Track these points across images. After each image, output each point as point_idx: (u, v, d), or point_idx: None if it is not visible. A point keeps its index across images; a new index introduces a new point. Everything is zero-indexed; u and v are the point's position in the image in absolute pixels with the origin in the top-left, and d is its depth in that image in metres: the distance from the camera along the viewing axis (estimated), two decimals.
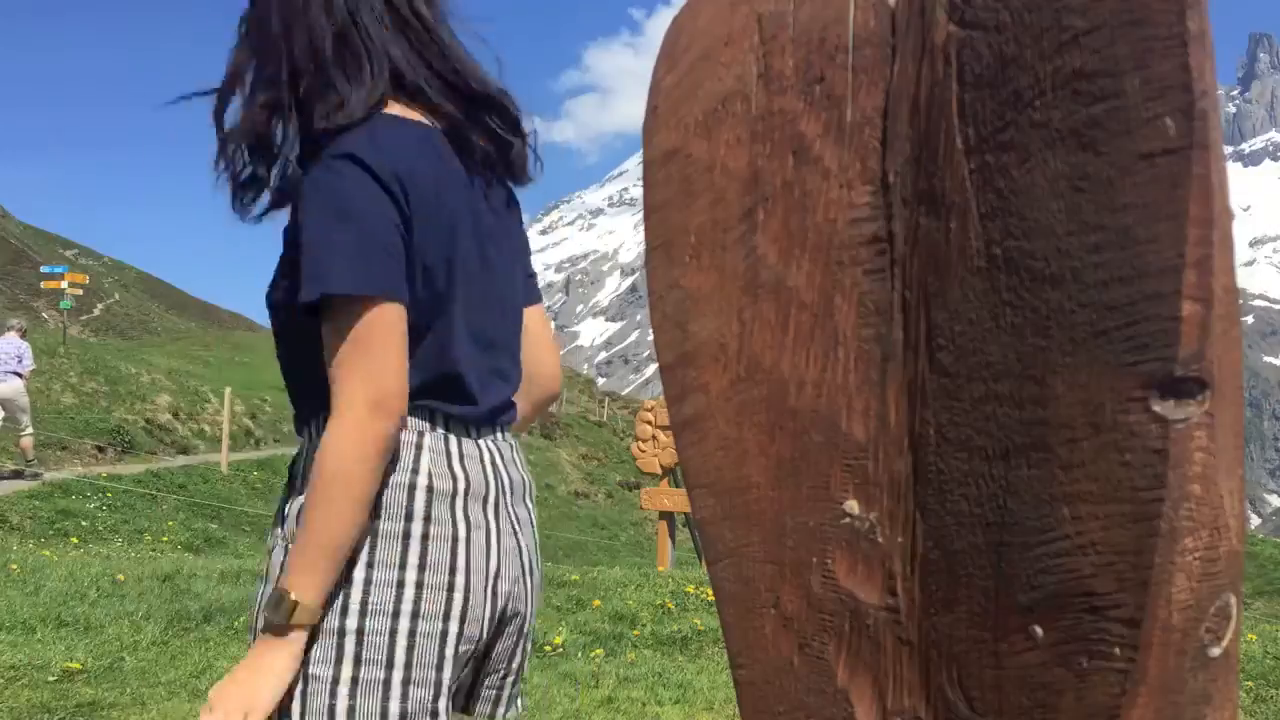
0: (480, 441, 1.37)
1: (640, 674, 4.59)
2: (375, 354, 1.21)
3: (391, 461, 1.26)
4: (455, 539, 1.29)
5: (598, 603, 5.92)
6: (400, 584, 1.25)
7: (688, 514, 11.07)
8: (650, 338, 1.20)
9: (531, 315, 1.54)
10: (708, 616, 5.73)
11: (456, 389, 1.34)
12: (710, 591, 6.03)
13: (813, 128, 1.05)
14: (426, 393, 1.31)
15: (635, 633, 5.40)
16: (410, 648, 1.24)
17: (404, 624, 1.24)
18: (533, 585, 1.41)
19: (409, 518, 1.27)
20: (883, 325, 1.01)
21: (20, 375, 12.59)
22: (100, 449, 16.46)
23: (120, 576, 6.12)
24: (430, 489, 1.29)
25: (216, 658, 4.64)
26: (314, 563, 1.19)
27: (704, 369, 1.15)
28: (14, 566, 6.41)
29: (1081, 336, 0.83)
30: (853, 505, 1.03)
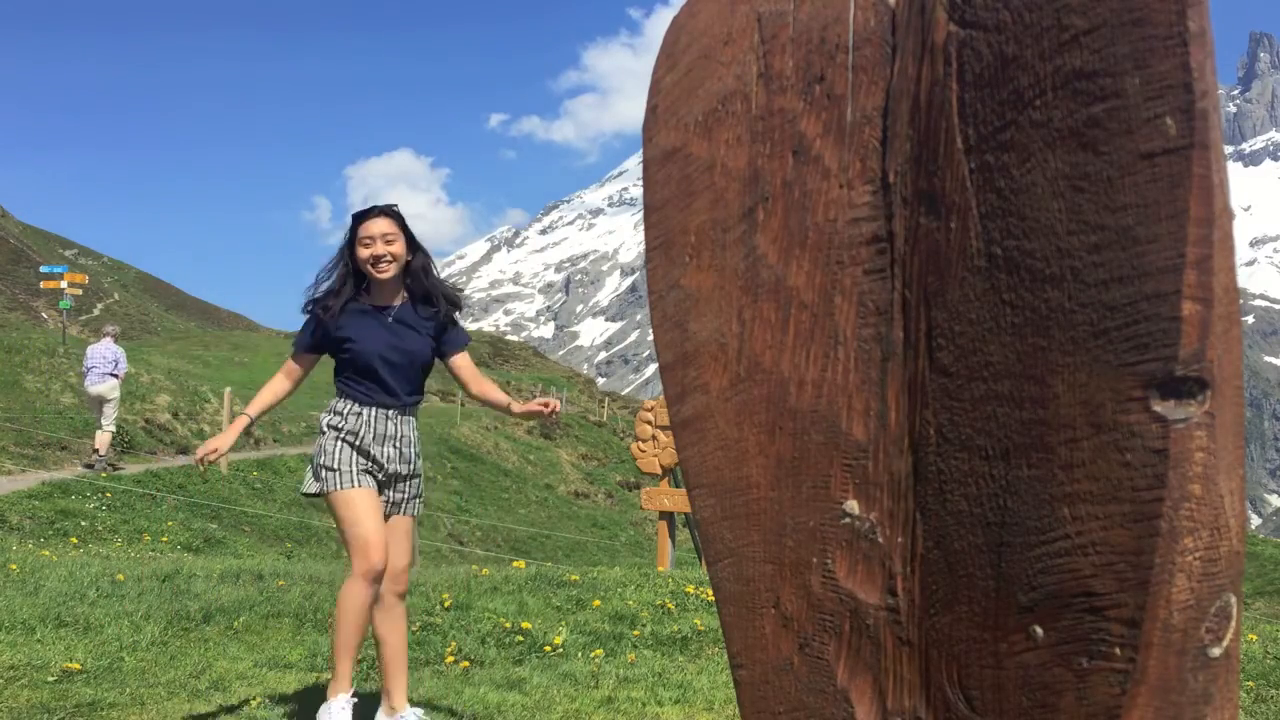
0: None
1: (640, 674, 4.59)
2: None
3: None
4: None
5: (598, 603, 5.92)
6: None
7: (688, 514, 11.07)
8: (650, 338, 1.21)
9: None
10: (708, 616, 5.73)
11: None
12: (710, 591, 6.03)
13: (813, 127, 1.05)
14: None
15: (635, 633, 5.40)
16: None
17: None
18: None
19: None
20: (883, 325, 1.00)
21: (116, 376, 14.34)
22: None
23: (120, 576, 6.12)
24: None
25: (216, 658, 4.64)
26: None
27: (704, 369, 1.15)
28: (13, 566, 6.42)
29: (1081, 336, 0.83)
30: (853, 505, 1.03)
